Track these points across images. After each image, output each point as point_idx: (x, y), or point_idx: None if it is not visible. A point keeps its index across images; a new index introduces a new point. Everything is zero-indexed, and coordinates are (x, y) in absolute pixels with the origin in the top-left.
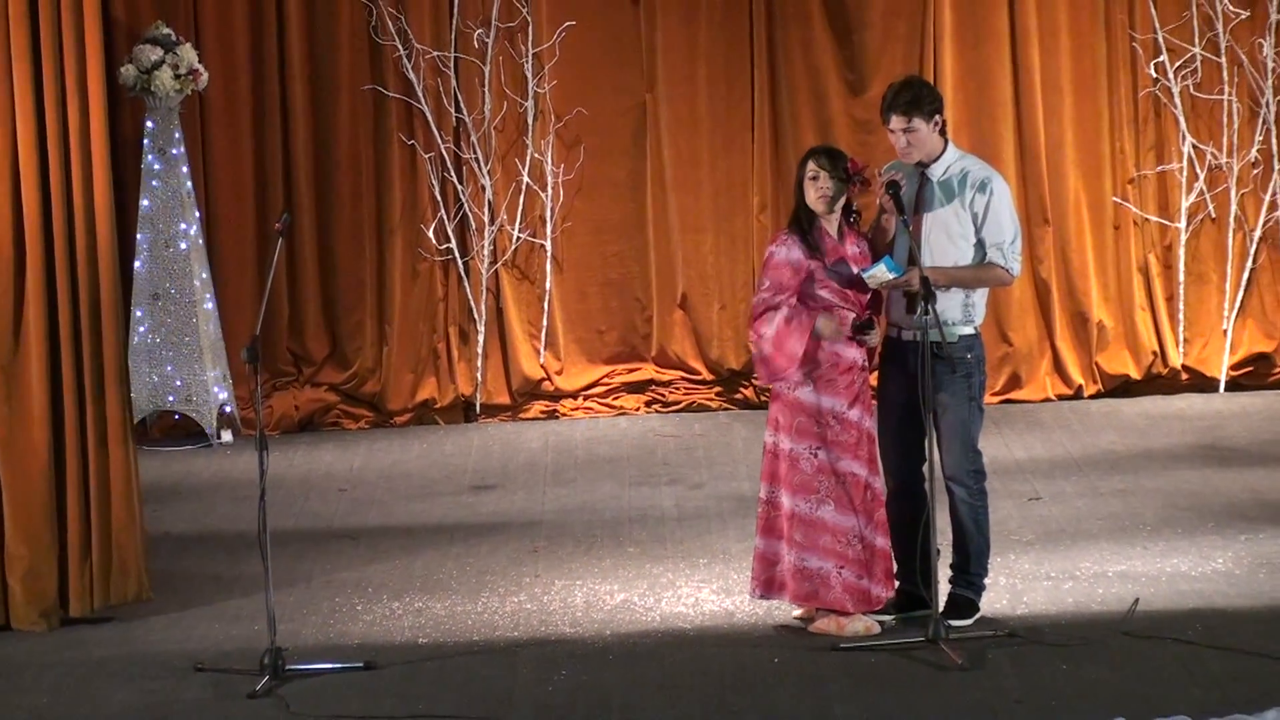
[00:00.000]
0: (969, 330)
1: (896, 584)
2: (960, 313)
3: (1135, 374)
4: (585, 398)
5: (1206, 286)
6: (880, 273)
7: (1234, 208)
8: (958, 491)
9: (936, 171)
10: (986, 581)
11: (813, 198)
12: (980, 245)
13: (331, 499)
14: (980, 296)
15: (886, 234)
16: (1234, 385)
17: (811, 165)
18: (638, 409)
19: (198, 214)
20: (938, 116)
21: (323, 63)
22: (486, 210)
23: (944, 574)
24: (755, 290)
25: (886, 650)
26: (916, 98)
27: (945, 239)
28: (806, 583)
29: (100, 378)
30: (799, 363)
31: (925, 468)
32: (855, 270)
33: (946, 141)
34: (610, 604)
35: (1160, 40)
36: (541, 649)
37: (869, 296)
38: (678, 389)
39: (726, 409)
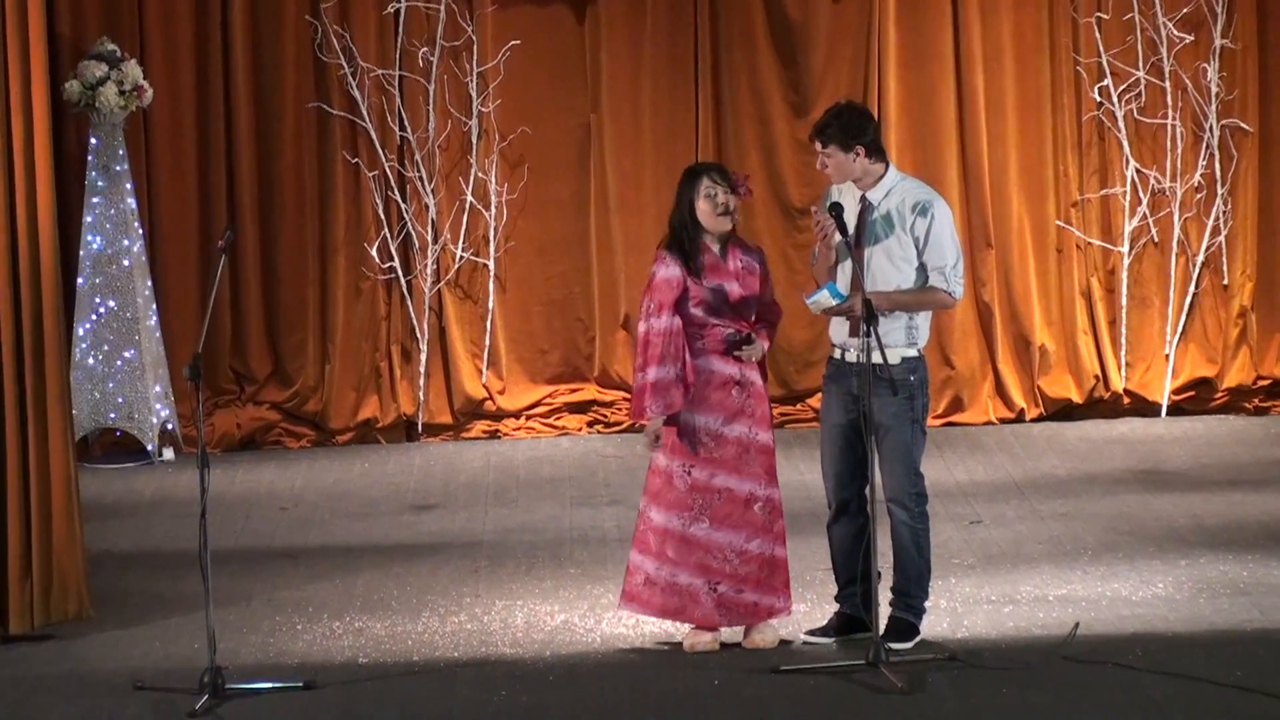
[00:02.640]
0: (912, 353)
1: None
2: (904, 335)
3: (1077, 398)
4: (527, 417)
5: (1149, 311)
6: (823, 298)
7: (1177, 232)
8: (899, 514)
9: (877, 195)
10: (927, 605)
11: (711, 213)
12: (922, 269)
13: (273, 518)
14: (924, 319)
15: (828, 260)
16: (1176, 410)
17: (707, 183)
18: (580, 429)
19: (141, 230)
20: (859, 148)
21: (267, 80)
22: (430, 229)
23: (884, 597)
24: (642, 315)
25: (827, 673)
26: (841, 127)
27: (887, 262)
28: (675, 598)
29: (42, 394)
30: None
31: (866, 490)
32: (737, 287)
33: (887, 165)
34: (551, 625)
35: (1104, 64)
36: (481, 669)
37: (752, 314)
38: (620, 409)
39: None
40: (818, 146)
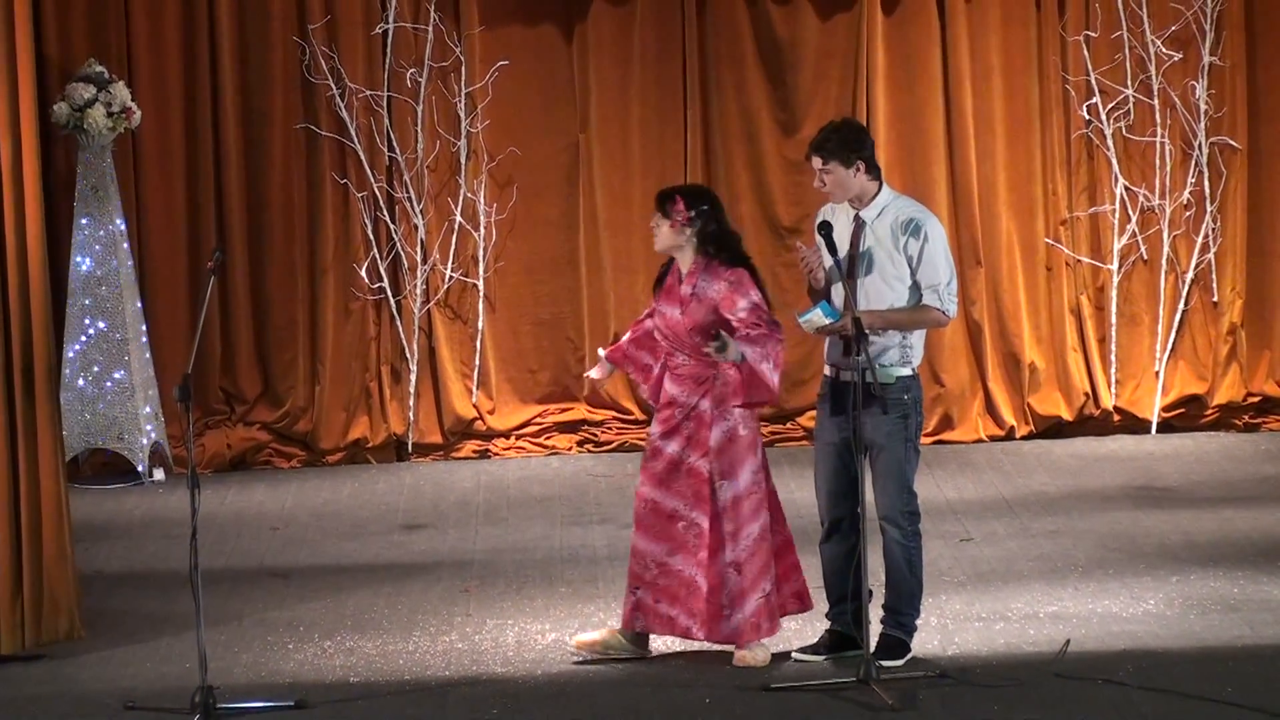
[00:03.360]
0: (907, 372)
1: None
2: (898, 354)
3: (1067, 415)
4: (517, 437)
5: (1138, 328)
6: (816, 317)
7: (1166, 249)
8: (892, 532)
9: (871, 214)
10: (918, 622)
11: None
12: (916, 287)
13: (263, 538)
14: (918, 338)
15: (818, 283)
16: (1166, 427)
17: (655, 210)
18: (570, 449)
19: (130, 251)
20: (860, 163)
21: (256, 101)
22: (419, 249)
23: (875, 614)
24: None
25: (818, 691)
26: (841, 142)
27: (881, 281)
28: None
29: (32, 416)
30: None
31: (859, 508)
32: (679, 314)
33: (880, 184)
34: (542, 644)
35: (1093, 82)
36: (473, 688)
37: (691, 341)
38: (610, 429)
39: None
40: (817, 164)
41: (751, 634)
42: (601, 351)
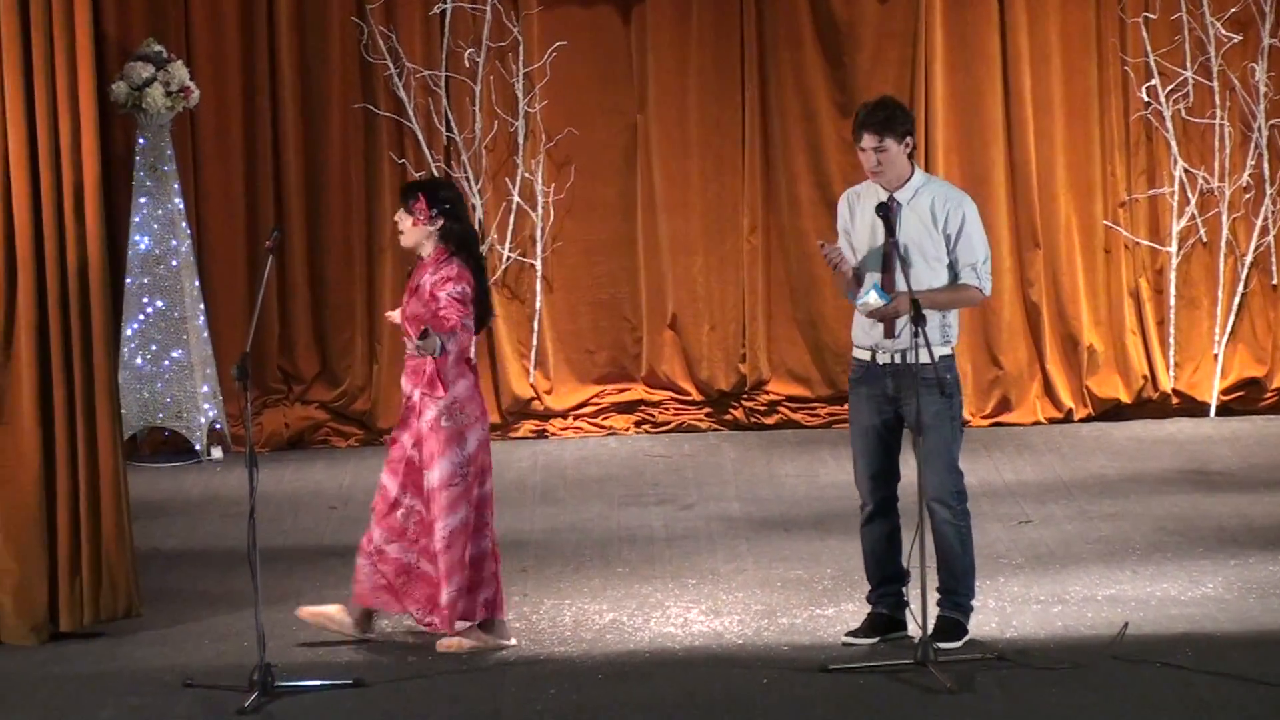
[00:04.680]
0: (947, 351)
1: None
2: (939, 334)
3: (1125, 398)
4: (575, 417)
5: (1197, 311)
6: (872, 299)
7: (1225, 232)
8: (941, 513)
9: (906, 195)
10: (974, 603)
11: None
12: (952, 266)
13: (321, 517)
14: (955, 317)
15: (845, 277)
16: (1224, 410)
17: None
18: (627, 429)
19: (188, 231)
20: (909, 138)
21: (314, 81)
22: (477, 229)
23: (911, 595)
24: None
25: (875, 672)
26: (890, 117)
27: (921, 262)
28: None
29: (90, 394)
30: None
31: (904, 488)
32: (405, 305)
33: (914, 166)
34: (599, 624)
35: (1152, 64)
36: (530, 668)
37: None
38: (667, 409)
39: (716, 430)
40: (871, 141)
41: (447, 624)
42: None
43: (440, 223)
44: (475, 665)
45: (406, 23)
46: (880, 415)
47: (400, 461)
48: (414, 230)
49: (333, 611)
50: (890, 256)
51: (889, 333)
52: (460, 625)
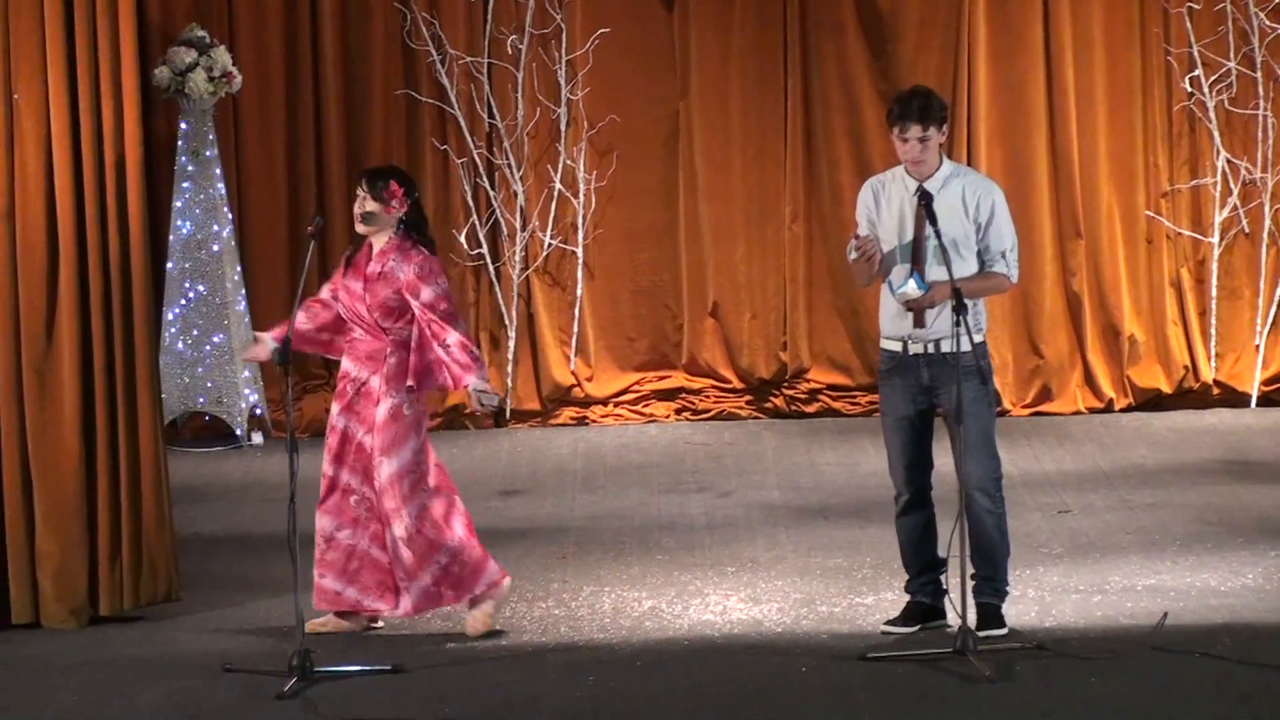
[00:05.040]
0: (979, 338)
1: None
2: (971, 321)
3: (1166, 388)
4: (615, 405)
5: (1239, 301)
6: (910, 289)
7: (1267, 223)
8: (982, 501)
9: (935, 184)
10: (1014, 592)
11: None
12: (981, 254)
13: None
14: (983, 304)
15: (872, 268)
16: (1265, 400)
17: (359, 187)
18: (667, 416)
19: (230, 216)
20: (946, 127)
21: (356, 67)
22: (518, 216)
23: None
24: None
25: (914, 661)
26: (931, 106)
27: (953, 250)
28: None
29: (131, 378)
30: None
31: (937, 476)
32: (361, 289)
33: (941, 155)
34: (638, 611)
35: (1195, 54)
36: (569, 655)
37: (372, 319)
38: (708, 397)
39: (756, 418)
40: (916, 132)
41: (432, 602)
42: (269, 338)
43: (405, 209)
44: (515, 652)
45: (449, 9)
46: (915, 405)
47: (343, 447)
48: (385, 216)
49: (329, 621)
50: (922, 246)
51: (919, 323)
52: (483, 604)
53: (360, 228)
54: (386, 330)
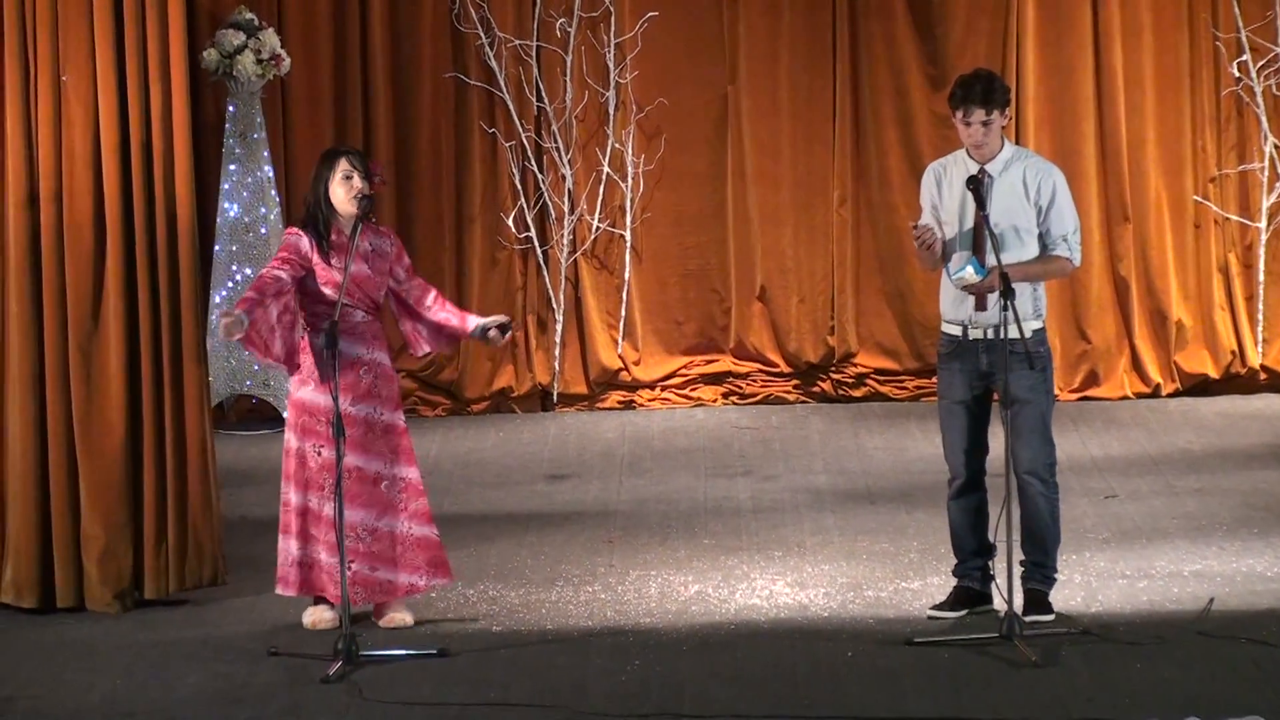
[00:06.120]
0: (1039, 324)
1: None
2: (1031, 307)
3: (1214, 373)
4: (662, 389)
5: None
6: (968, 274)
7: None
8: (1035, 486)
9: (996, 167)
10: (1060, 578)
11: (345, 197)
12: (1043, 237)
13: None
14: (1043, 289)
15: (934, 255)
16: None
17: (345, 165)
18: (715, 401)
19: (277, 198)
20: (1008, 109)
21: (405, 50)
22: (566, 200)
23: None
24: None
25: (960, 646)
26: (995, 89)
27: (1013, 234)
28: (318, 575)
29: (178, 361)
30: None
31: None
32: (368, 271)
33: (1003, 138)
34: (684, 595)
35: (1243, 39)
36: (615, 639)
37: (381, 295)
38: (755, 381)
39: (804, 402)
40: (980, 115)
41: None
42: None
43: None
44: (560, 636)
45: None
46: (972, 390)
47: (367, 434)
48: (370, 197)
49: (335, 615)
50: (981, 231)
51: (980, 306)
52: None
53: (356, 210)
54: (380, 308)
